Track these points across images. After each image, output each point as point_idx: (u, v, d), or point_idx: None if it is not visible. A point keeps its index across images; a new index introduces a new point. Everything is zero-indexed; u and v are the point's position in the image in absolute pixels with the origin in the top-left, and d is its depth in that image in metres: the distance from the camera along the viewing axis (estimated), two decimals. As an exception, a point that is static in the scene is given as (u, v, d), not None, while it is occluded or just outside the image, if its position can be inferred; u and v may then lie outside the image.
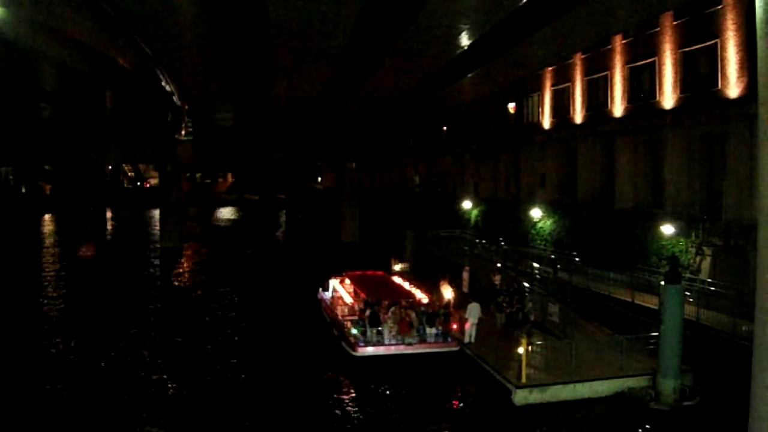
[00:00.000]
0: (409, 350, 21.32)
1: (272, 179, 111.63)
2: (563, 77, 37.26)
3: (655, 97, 29.07)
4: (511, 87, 40.84)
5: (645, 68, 29.99)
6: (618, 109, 32.01)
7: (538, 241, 35.52)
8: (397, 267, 34.29)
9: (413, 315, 22.33)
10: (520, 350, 18.04)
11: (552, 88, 38.66)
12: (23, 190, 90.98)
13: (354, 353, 21.17)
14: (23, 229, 65.25)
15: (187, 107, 49.17)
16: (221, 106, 47.34)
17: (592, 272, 27.37)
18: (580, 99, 35.46)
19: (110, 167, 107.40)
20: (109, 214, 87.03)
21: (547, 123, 39.31)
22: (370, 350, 21.15)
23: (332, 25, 24.41)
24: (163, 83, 38.92)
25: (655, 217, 27.41)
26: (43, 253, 50.50)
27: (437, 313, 22.60)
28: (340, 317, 24.44)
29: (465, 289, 29.15)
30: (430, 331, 21.76)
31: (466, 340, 21.57)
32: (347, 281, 27.23)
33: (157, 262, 46.80)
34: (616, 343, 19.60)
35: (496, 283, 27.22)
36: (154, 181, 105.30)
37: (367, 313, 22.38)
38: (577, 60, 35.52)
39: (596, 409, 17.53)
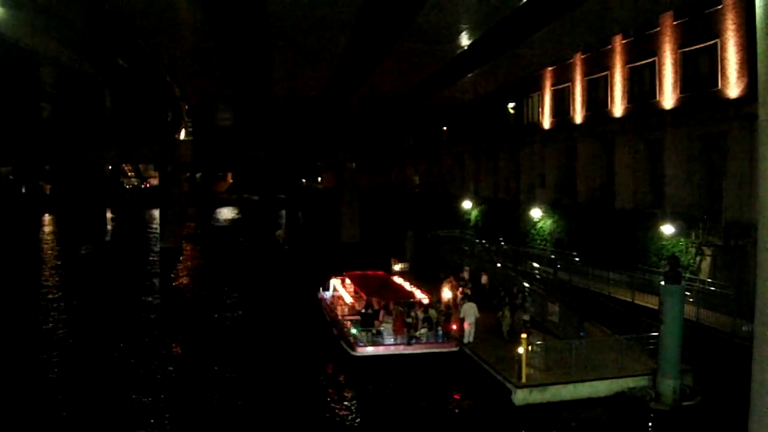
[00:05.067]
0: (409, 350, 21.31)
1: (272, 179, 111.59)
2: (563, 77, 37.25)
3: (655, 97, 29.06)
4: (511, 87, 40.84)
5: (645, 68, 29.97)
6: (618, 109, 32.00)
7: (538, 241, 35.52)
8: (397, 267, 34.29)
9: (419, 314, 22.39)
10: (520, 350, 18.03)
11: (552, 88, 38.65)
12: (23, 190, 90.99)
13: (353, 353, 21.17)
14: (23, 229, 65.22)
15: (187, 107, 49.16)
16: (221, 106, 47.30)
17: (592, 272, 27.38)
18: (580, 99, 35.45)
19: (110, 167, 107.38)
20: (109, 215, 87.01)
21: (547, 123, 39.30)
22: (369, 350, 21.15)
23: (332, 24, 24.39)
24: (163, 83, 38.92)
25: (655, 217, 27.40)
26: (42, 253, 50.50)
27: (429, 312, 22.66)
28: (340, 317, 24.45)
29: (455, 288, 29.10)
30: (423, 331, 21.75)
31: (466, 340, 21.56)
32: (347, 281, 27.26)
33: (157, 262, 46.79)
34: (616, 343, 19.59)
35: (484, 283, 27.23)
36: (154, 182, 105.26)
37: (359, 314, 22.46)
38: (577, 60, 35.51)
39: (596, 409, 17.53)
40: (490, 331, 22.56)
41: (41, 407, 17.86)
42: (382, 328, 21.69)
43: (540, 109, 40.03)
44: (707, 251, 24.13)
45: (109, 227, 75.68)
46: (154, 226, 66.28)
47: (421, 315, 22.36)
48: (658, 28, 28.70)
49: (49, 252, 51.39)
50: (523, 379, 17.75)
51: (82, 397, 18.63)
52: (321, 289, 29.23)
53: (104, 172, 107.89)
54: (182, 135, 52.47)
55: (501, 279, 28.40)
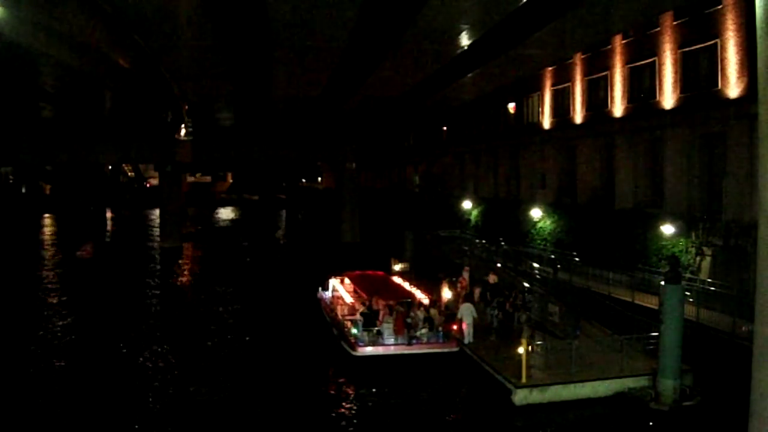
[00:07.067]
0: (409, 350, 21.30)
1: (272, 179, 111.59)
2: (563, 77, 37.26)
3: (655, 97, 29.07)
4: (511, 87, 40.87)
5: (645, 68, 29.99)
6: (618, 109, 32.01)
7: (538, 241, 35.53)
8: (397, 267, 34.29)
9: (419, 314, 22.40)
10: (520, 350, 18.04)
11: (552, 88, 38.66)
12: (23, 190, 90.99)
13: (353, 353, 21.17)
14: (23, 229, 65.21)
15: (187, 107, 49.14)
16: (221, 106, 47.28)
17: (592, 272, 27.39)
18: (580, 99, 35.46)
19: (110, 167, 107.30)
20: (109, 214, 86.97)
21: (547, 123, 39.31)
22: (369, 350, 21.14)
23: (332, 24, 24.41)
24: (163, 83, 38.91)
25: (655, 217, 27.42)
26: (42, 253, 50.49)
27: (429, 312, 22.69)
28: (339, 317, 24.45)
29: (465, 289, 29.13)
30: (423, 331, 21.75)
31: (466, 340, 21.56)
32: (347, 281, 27.26)
33: (157, 262, 46.80)
34: (616, 343, 19.60)
35: (493, 281, 27.20)
36: (154, 182, 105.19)
37: (359, 315, 22.49)
38: (577, 60, 35.52)
39: (596, 410, 17.52)
40: (490, 331, 22.55)
41: (41, 407, 17.89)
42: (382, 328, 21.68)
43: (540, 109, 40.03)
44: (707, 251, 24.14)
45: (109, 227, 75.64)
46: (154, 226, 66.27)
47: (421, 315, 22.36)
48: (658, 28, 28.72)
49: (49, 252, 51.35)
50: (523, 379, 17.74)
51: (75, 399, 18.64)
52: (321, 289, 29.23)
53: (104, 172, 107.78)
54: (182, 135, 52.44)
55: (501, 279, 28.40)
